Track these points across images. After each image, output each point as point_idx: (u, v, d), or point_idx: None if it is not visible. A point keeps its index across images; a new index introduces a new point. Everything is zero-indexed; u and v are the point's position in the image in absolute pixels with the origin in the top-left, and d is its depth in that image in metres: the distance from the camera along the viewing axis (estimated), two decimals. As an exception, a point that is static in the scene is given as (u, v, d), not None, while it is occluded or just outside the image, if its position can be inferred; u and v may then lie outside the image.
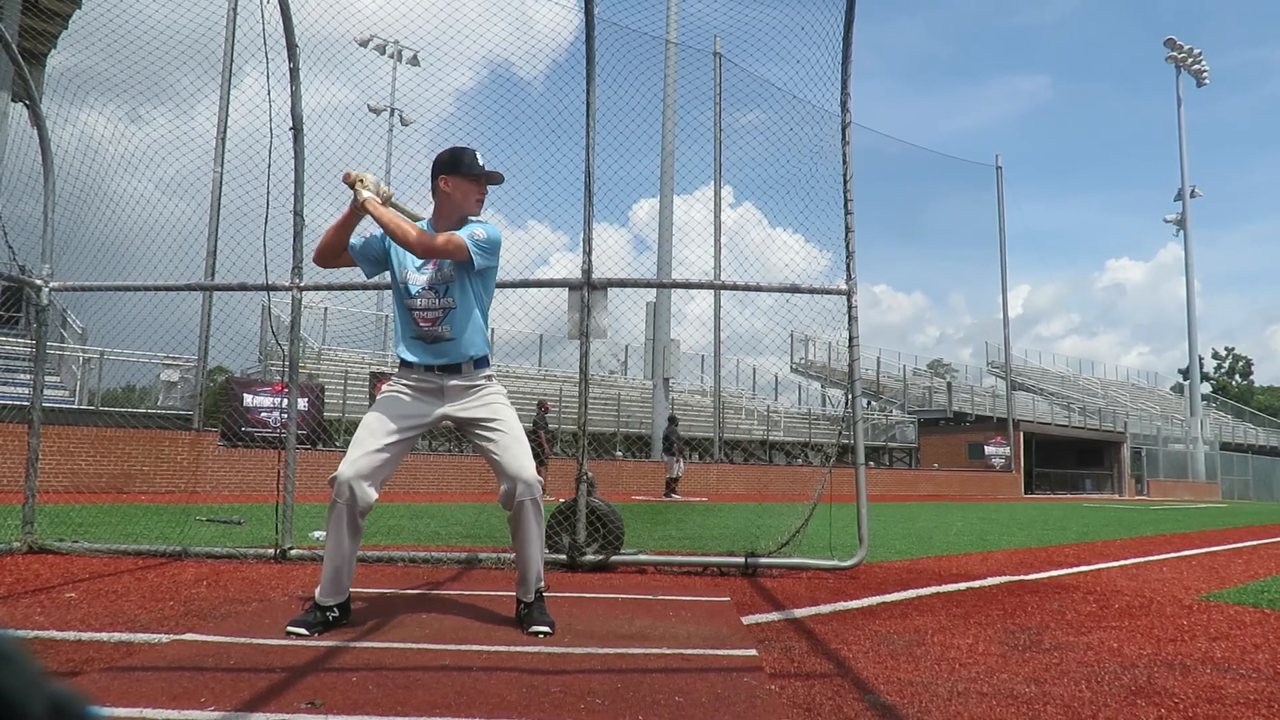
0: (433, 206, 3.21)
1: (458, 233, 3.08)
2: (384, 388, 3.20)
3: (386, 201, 3.14)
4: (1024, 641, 3.00)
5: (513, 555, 3.23)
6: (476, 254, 3.06)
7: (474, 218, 3.19)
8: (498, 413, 3.14)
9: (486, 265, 3.13)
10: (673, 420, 19.08)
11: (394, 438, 3.04)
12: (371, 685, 2.23)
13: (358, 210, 3.10)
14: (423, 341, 3.12)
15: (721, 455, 24.97)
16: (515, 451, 3.09)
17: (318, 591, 3.00)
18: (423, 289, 3.11)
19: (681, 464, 18.51)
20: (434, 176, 3.16)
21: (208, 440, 15.21)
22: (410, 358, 3.13)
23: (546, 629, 2.95)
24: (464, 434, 3.20)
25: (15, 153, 5.41)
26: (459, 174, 3.13)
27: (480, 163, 3.15)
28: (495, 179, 3.20)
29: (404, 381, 3.15)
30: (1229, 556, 6.65)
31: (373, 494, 2.98)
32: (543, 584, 3.15)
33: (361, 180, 3.08)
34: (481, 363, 3.19)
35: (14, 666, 0.41)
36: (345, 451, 3.03)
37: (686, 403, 27.06)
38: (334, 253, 3.21)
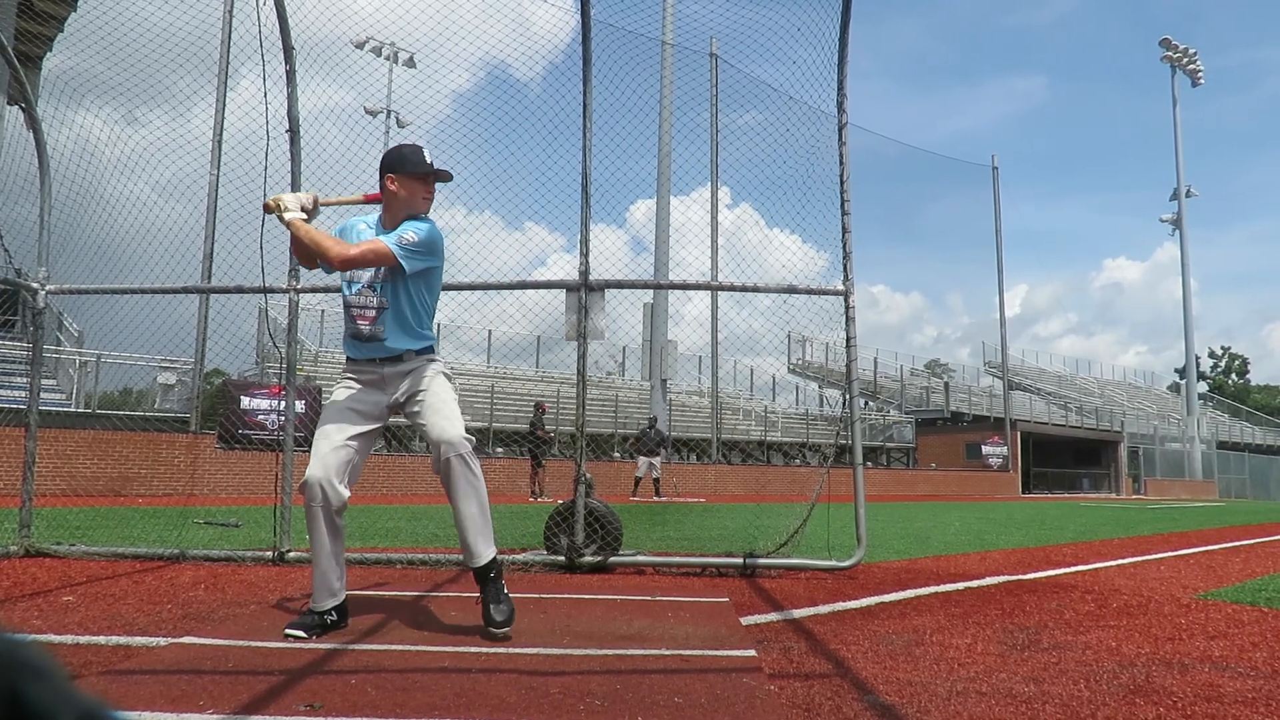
0: (383, 204, 3.14)
1: (383, 237, 3.02)
2: (336, 385, 3.21)
3: (314, 206, 3.15)
4: (1022, 641, 3.00)
5: (512, 556, 3.21)
6: (404, 258, 2.97)
7: (419, 216, 3.11)
8: (423, 383, 3.08)
9: (420, 268, 3.04)
10: (652, 423, 19.15)
11: (353, 431, 3.02)
12: (370, 687, 2.23)
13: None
14: (359, 339, 3.09)
15: (719, 456, 24.98)
16: (438, 417, 3.00)
17: (312, 599, 2.99)
18: (362, 287, 3.07)
19: (642, 464, 18.50)
20: (381, 176, 3.09)
21: (205, 443, 15.19)
22: (352, 353, 3.13)
23: (502, 629, 2.86)
24: (405, 416, 3.15)
25: (11, 156, 5.39)
26: (405, 173, 3.06)
27: (427, 159, 3.07)
28: (443, 177, 3.14)
29: (350, 376, 3.14)
30: (1226, 555, 6.66)
31: (345, 491, 2.96)
32: (494, 556, 3.00)
33: (279, 204, 3.10)
34: (424, 351, 3.14)
35: (45, 679, 0.42)
36: None
37: (684, 403, 27.08)
38: (305, 260, 3.20)
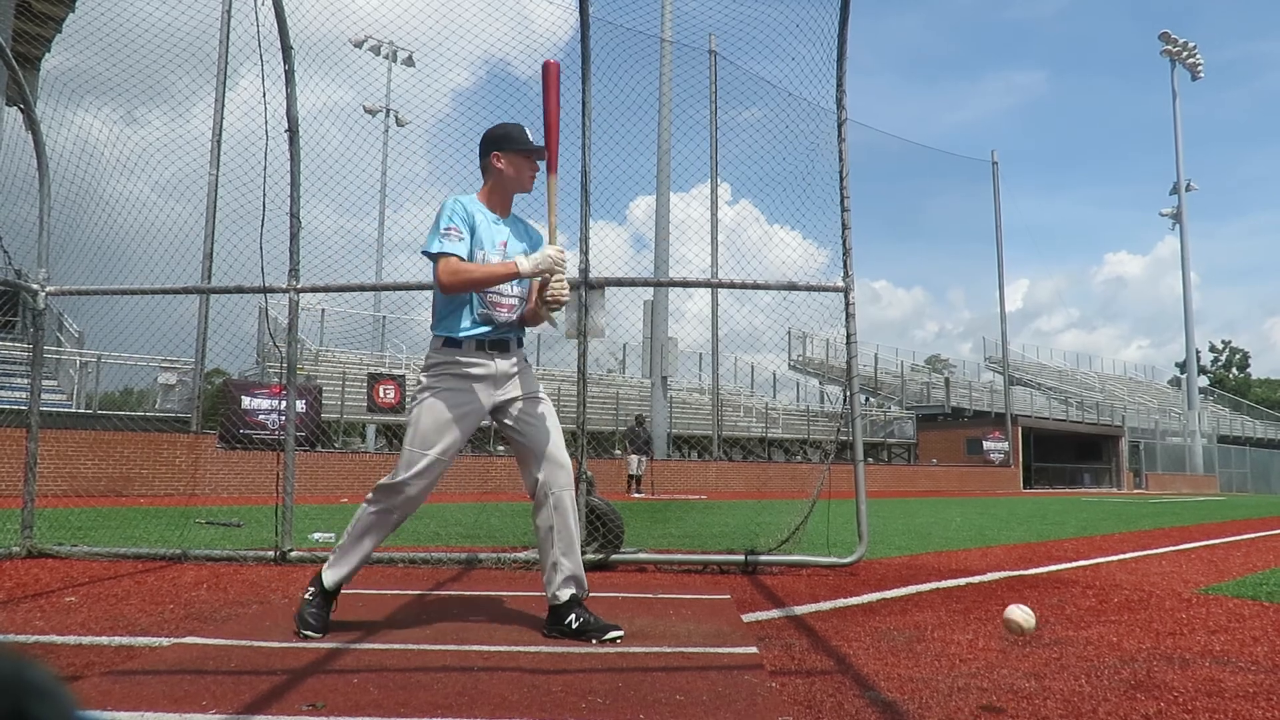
0: (483, 185, 3.10)
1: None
2: (433, 380, 2.97)
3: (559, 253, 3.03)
4: (1024, 636, 3.00)
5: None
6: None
7: (529, 226, 3.14)
8: (537, 392, 3.10)
9: None
10: (639, 420, 19.23)
11: (462, 441, 2.99)
12: (373, 686, 2.23)
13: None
14: (488, 325, 2.99)
15: (720, 453, 24.98)
16: (560, 447, 3.05)
17: (330, 591, 2.96)
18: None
19: (633, 462, 18.60)
20: (485, 154, 3.05)
21: (206, 443, 15.19)
22: (472, 336, 2.97)
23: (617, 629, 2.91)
24: (506, 416, 3.05)
25: (10, 156, 5.39)
26: (512, 150, 3.01)
27: (530, 137, 3.03)
28: (543, 153, 3.07)
29: (462, 364, 2.96)
30: (1227, 549, 6.66)
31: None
32: None
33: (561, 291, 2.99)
34: (521, 343, 3.18)
35: (51, 701, 0.42)
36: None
37: (685, 400, 27.07)
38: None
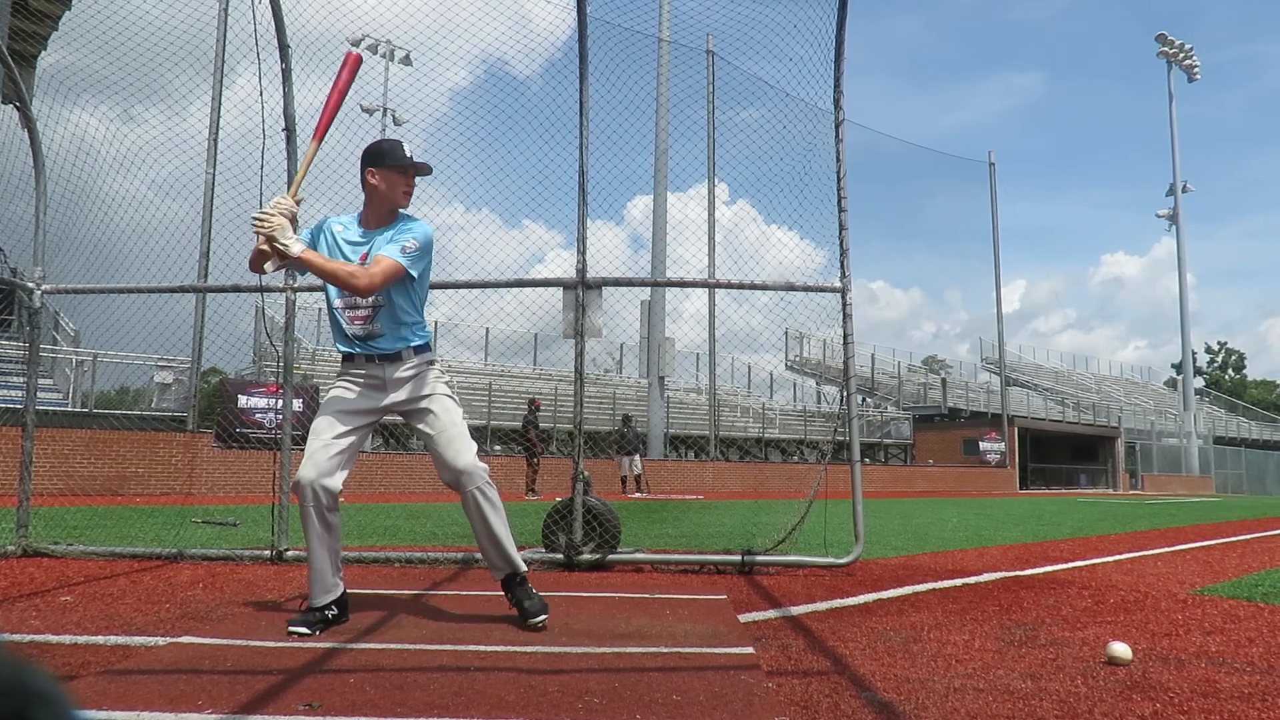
0: (363, 199, 3.15)
1: (386, 250, 2.99)
2: (332, 386, 3.20)
3: (296, 205, 2.98)
4: (1020, 637, 3.01)
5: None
6: (411, 267, 3.02)
7: (408, 217, 3.14)
8: (430, 399, 3.12)
9: (421, 269, 3.10)
10: (627, 419, 19.21)
11: (345, 428, 3.05)
12: (369, 686, 2.23)
13: (290, 260, 2.93)
14: (355, 339, 3.11)
15: (717, 453, 24.99)
16: (452, 448, 3.07)
17: (311, 596, 3.00)
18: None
19: (624, 464, 18.60)
20: (362, 169, 3.11)
21: (202, 442, 15.17)
22: (347, 351, 3.14)
23: (540, 617, 3.01)
24: (407, 422, 3.19)
25: (6, 154, 5.38)
26: (385, 166, 3.05)
27: (407, 153, 3.08)
28: (423, 170, 3.13)
29: (348, 377, 3.15)
30: (1223, 550, 6.68)
31: (336, 489, 3.00)
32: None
33: (277, 238, 2.84)
34: (422, 349, 3.16)
35: (53, 706, 0.42)
36: None
37: (682, 401, 27.08)
38: (257, 265, 3.06)
